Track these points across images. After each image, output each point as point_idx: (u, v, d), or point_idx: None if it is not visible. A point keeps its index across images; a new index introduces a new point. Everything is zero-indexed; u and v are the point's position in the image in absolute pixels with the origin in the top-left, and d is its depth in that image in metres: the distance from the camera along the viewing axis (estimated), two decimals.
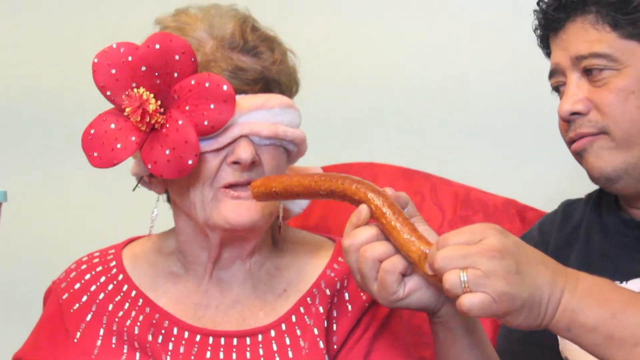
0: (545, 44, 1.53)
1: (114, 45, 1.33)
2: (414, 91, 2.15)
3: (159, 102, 1.32)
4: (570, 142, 1.48)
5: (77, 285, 1.46)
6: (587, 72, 1.43)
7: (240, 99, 1.34)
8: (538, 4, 1.52)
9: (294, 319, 1.41)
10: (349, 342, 1.41)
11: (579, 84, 1.44)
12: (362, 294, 1.42)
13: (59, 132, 2.27)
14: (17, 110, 2.30)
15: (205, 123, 1.31)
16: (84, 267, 1.49)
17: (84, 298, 1.45)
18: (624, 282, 1.43)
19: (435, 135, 2.14)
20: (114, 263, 1.48)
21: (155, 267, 1.47)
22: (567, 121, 1.46)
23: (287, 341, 1.39)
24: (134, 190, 1.44)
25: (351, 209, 1.77)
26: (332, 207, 1.72)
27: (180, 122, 1.31)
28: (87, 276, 1.47)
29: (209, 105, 1.31)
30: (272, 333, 1.40)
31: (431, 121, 2.15)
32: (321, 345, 1.38)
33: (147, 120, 1.32)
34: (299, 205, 1.49)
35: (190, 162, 1.31)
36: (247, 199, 1.35)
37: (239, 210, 1.35)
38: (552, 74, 1.50)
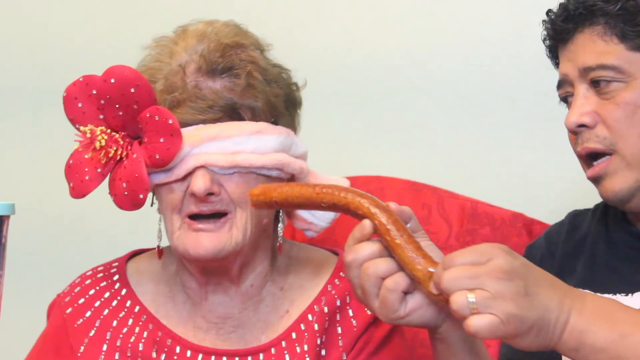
0: (554, 54, 1.52)
1: (81, 79, 1.35)
2: (421, 104, 2.15)
3: (115, 135, 1.34)
4: (579, 156, 1.47)
5: (81, 300, 1.47)
6: (595, 84, 1.43)
7: (195, 129, 1.33)
8: (547, 14, 1.51)
9: (294, 335, 1.41)
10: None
11: (586, 96, 1.43)
12: (366, 309, 1.41)
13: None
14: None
15: (157, 157, 1.32)
16: (88, 282, 1.49)
17: (88, 313, 1.45)
18: (629, 295, 1.42)
19: (442, 149, 2.14)
20: (117, 277, 1.48)
21: (158, 286, 1.47)
22: (575, 133, 1.45)
23: (287, 358, 1.39)
24: (151, 205, 1.45)
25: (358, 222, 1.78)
26: (339, 220, 1.72)
27: (134, 156, 1.33)
28: (91, 291, 1.47)
29: (159, 138, 1.31)
30: (273, 351, 1.40)
31: (438, 134, 2.15)
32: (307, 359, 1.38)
33: (102, 154, 1.34)
34: (325, 220, 1.47)
35: (141, 196, 1.33)
36: (208, 231, 1.34)
37: (199, 241, 1.34)
38: (560, 84, 1.49)
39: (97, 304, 1.46)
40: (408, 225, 1.20)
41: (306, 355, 1.39)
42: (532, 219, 1.79)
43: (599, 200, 1.54)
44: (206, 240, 1.34)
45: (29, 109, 2.31)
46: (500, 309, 1.07)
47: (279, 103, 1.41)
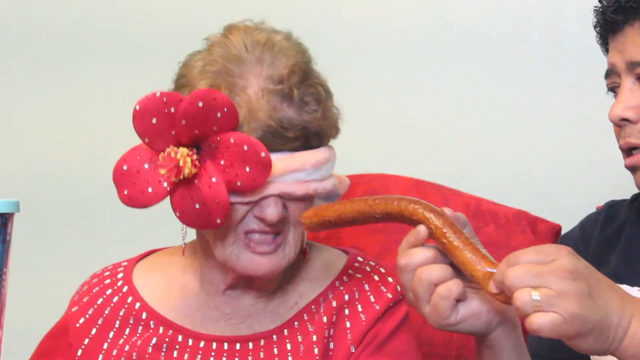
0: (604, 41, 1.49)
1: (157, 94, 1.30)
2: (424, 102, 2.15)
3: (194, 154, 1.31)
4: (622, 150, 1.45)
5: (86, 299, 1.48)
6: None
7: (276, 159, 1.32)
8: (600, 1, 1.48)
9: (296, 325, 1.42)
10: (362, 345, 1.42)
11: (632, 89, 1.41)
12: (375, 304, 1.43)
13: None
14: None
15: (238, 184, 1.30)
16: (95, 280, 1.51)
17: (90, 311, 1.46)
18: None
19: (447, 146, 2.14)
20: (121, 275, 1.49)
21: (169, 280, 1.48)
22: (618, 126, 1.43)
23: (288, 346, 1.41)
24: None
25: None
26: None
27: (214, 180, 1.30)
28: (96, 289, 1.49)
29: (245, 167, 1.30)
30: (274, 338, 1.41)
31: (442, 132, 2.15)
32: (315, 351, 1.39)
33: (182, 177, 1.31)
34: None
35: (218, 221, 1.30)
36: (268, 253, 1.36)
37: (259, 264, 1.36)
38: (608, 74, 1.47)
39: (100, 301, 1.47)
40: (463, 230, 1.20)
41: (315, 347, 1.40)
42: (536, 216, 1.79)
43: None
44: (267, 263, 1.36)
45: (33, 105, 2.32)
46: (563, 307, 1.07)
47: (337, 127, 1.43)
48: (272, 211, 1.33)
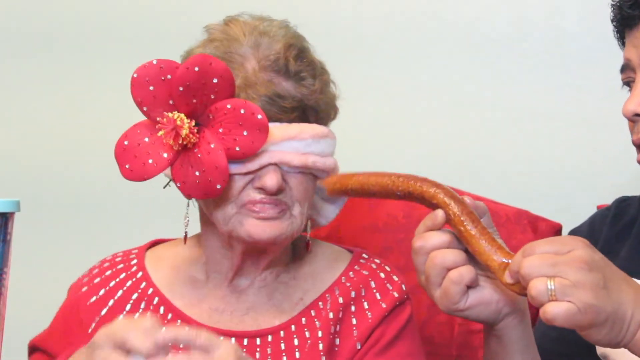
0: (621, 35, 1.49)
1: (154, 62, 1.34)
2: (424, 101, 2.15)
3: (192, 122, 1.33)
4: (635, 145, 1.44)
5: (97, 280, 1.49)
6: None
7: (274, 127, 1.35)
8: None
9: (303, 321, 1.43)
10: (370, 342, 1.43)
11: None
12: (381, 302, 1.44)
13: None
14: None
15: (237, 149, 1.33)
16: (106, 264, 1.52)
17: (102, 292, 1.47)
18: None
19: (447, 145, 2.14)
20: (135, 261, 1.51)
21: (176, 271, 1.49)
22: (632, 121, 1.43)
23: (296, 342, 1.41)
24: (164, 187, 1.45)
25: (364, 219, 1.79)
26: (343, 217, 1.72)
27: (212, 146, 1.33)
28: (108, 272, 1.50)
29: (242, 131, 1.32)
30: (282, 334, 1.42)
31: (442, 131, 2.15)
32: (320, 347, 1.40)
33: (180, 141, 1.33)
34: (326, 218, 1.51)
35: (218, 187, 1.33)
36: (271, 219, 1.37)
37: (263, 226, 1.37)
38: (623, 68, 1.46)
39: (112, 284, 1.48)
40: (482, 219, 1.22)
41: (320, 342, 1.41)
42: (537, 215, 1.79)
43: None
44: (270, 227, 1.37)
45: (33, 105, 2.32)
46: (578, 297, 1.08)
47: (335, 108, 1.47)
48: (271, 178, 1.35)
